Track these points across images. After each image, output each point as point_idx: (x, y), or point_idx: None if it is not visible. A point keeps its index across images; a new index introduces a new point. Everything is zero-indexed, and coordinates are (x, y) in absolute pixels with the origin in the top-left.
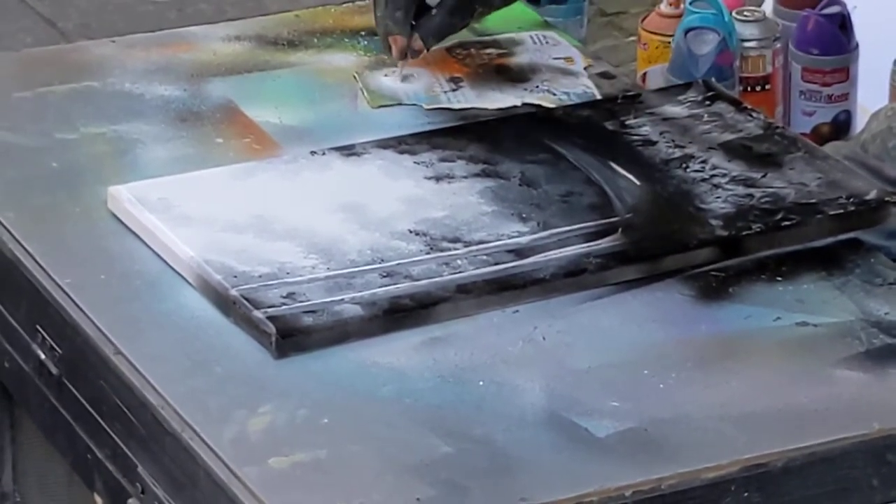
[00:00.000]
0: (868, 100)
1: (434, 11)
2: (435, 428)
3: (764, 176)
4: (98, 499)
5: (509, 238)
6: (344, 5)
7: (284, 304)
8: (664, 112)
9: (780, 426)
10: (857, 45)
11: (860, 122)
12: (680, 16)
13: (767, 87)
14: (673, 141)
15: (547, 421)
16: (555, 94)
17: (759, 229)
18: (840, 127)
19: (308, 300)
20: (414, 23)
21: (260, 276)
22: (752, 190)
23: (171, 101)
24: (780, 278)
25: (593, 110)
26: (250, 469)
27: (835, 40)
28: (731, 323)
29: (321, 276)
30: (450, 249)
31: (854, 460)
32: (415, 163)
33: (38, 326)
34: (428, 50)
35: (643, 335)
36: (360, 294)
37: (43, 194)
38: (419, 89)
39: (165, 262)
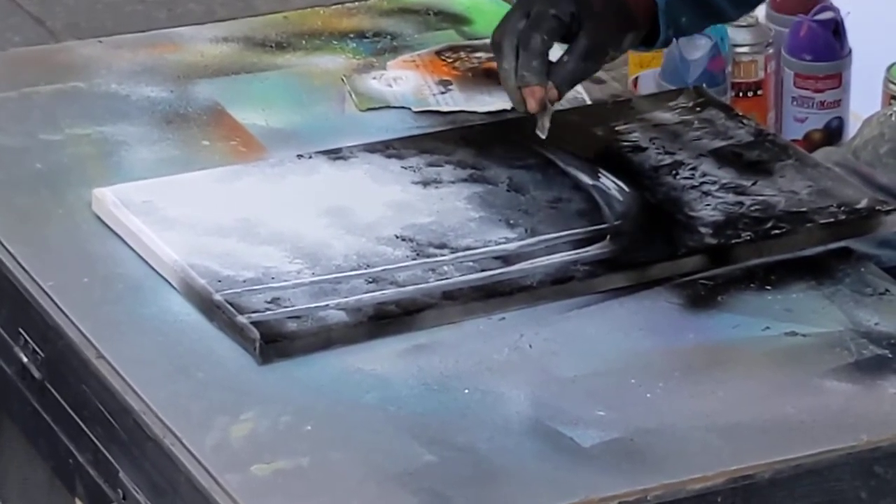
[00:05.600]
0: (860, 106)
1: (565, 58)
2: (418, 436)
3: (754, 184)
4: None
5: (496, 244)
6: (333, 7)
7: (269, 309)
8: (654, 118)
9: (767, 437)
10: (850, 52)
11: (852, 129)
12: None
13: (759, 92)
14: (663, 147)
15: (532, 430)
16: None
17: (748, 238)
18: (832, 133)
19: (293, 305)
20: None
21: (244, 281)
22: (742, 198)
23: (158, 103)
24: (769, 287)
25: (583, 115)
26: (232, 476)
27: (828, 46)
28: (719, 332)
29: (306, 282)
30: (436, 255)
31: (842, 472)
32: (402, 167)
33: (20, 329)
34: (560, 99)
35: (630, 344)
36: (345, 300)
37: (26, 195)
38: (408, 92)
39: (149, 265)
